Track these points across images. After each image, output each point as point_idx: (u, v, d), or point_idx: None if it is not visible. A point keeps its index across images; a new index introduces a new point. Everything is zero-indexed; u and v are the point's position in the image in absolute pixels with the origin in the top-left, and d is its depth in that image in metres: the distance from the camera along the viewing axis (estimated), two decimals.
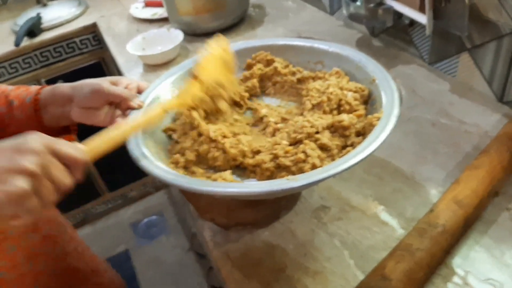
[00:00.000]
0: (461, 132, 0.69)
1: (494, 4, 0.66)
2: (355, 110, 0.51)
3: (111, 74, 1.45)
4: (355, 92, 0.53)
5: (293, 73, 0.61)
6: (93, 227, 1.76)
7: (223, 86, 0.57)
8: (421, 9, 0.76)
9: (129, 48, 1.02)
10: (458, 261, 0.52)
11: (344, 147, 0.50)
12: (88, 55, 1.40)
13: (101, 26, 1.30)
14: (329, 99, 0.51)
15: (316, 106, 0.52)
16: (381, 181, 0.63)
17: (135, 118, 0.52)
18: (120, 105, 0.56)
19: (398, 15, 0.84)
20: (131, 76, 1.02)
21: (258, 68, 0.61)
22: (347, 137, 0.49)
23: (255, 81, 0.61)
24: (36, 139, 0.38)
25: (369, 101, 0.54)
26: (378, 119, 0.47)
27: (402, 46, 0.91)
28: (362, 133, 0.50)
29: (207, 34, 1.11)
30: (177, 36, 1.05)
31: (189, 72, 0.58)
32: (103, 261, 0.78)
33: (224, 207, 0.54)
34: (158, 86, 0.59)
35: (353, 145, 0.49)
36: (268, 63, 0.63)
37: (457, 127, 0.70)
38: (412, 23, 0.85)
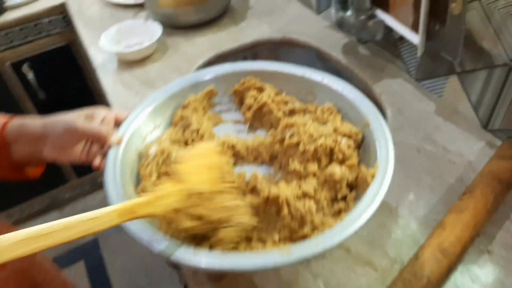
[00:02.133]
0: (445, 162, 0.69)
1: (490, 35, 0.64)
2: (348, 159, 0.49)
3: (81, 58, 1.37)
4: (349, 136, 0.51)
5: (285, 103, 0.58)
6: (60, 213, 1.70)
7: (203, 200, 0.43)
8: (414, 28, 0.74)
9: (103, 44, 0.95)
10: None
11: (334, 199, 0.48)
12: (57, 37, 1.30)
13: (71, 7, 1.20)
14: (315, 151, 0.49)
15: (306, 154, 0.50)
16: None
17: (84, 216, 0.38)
18: (98, 141, 0.52)
19: (389, 29, 0.81)
20: (104, 74, 0.95)
21: (251, 96, 0.57)
22: (338, 190, 0.48)
23: (250, 116, 0.57)
24: None
25: (362, 145, 0.52)
26: (373, 176, 0.45)
27: (389, 58, 0.88)
28: (354, 185, 0.48)
29: (188, 28, 1.05)
30: (155, 29, 0.99)
31: (170, 170, 0.45)
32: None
33: None
34: (139, 116, 0.55)
35: (345, 199, 0.47)
36: (257, 89, 0.59)
37: (441, 155, 0.70)
38: (402, 37, 0.82)
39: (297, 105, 0.57)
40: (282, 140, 0.52)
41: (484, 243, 0.58)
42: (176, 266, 0.92)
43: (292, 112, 0.57)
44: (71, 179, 1.67)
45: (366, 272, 0.57)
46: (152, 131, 0.57)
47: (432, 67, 0.78)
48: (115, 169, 0.49)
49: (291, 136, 0.51)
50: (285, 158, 0.52)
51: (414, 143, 0.73)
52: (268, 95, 0.57)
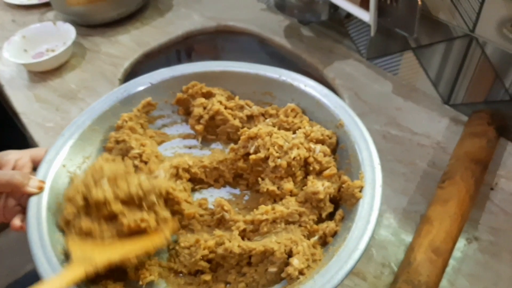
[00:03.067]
0: (413, 145, 0.65)
1: (447, 6, 0.59)
2: (326, 168, 0.42)
3: None
4: (322, 142, 0.43)
5: (241, 108, 0.49)
6: None
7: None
8: (363, 5, 0.68)
9: (6, 55, 0.79)
10: None
11: (318, 219, 0.41)
12: None
13: None
14: (289, 165, 0.41)
15: (278, 170, 0.42)
16: None
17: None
18: (13, 193, 0.40)
19: (335, 8, 0.74)
20: (14, 90, 0.80)
21: (199, 104, 0.48)
22: (322, 208, 0.40)
23: (201, 128, 0.48)
24: None
25: (337, 148, 0.45)
26: (361, 189, 0.38)
27: (336, 37, 0.82)
28: (337, 199, 0.41)
29: (106, 25, 0.92)
30: (68, 32, 0.84)
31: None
32: None
33: None
34: (62, 149, 0.43)
35: (333, 219, 0.40)
36: (205, 95, 0.50)
37: (408, 139, 0.66)
38: (349, 14, 0.76)
39: (255, 109, 0.49)
40: (246, 155, 0.44)
41: (470, 231, 0.55)
42: None
43: (250, 118, 0.49)
44: None
45: (355, 284, 0.51)
46: (81, 165, 0.45)
47: (384, 44, 0.73)
48: (40, 226, 0.37)
49: (257, 150, 0.42)
50: (252, 176, 0.44)
51: (378, 129, 0.67)
52: (218, 101, 0.48)
